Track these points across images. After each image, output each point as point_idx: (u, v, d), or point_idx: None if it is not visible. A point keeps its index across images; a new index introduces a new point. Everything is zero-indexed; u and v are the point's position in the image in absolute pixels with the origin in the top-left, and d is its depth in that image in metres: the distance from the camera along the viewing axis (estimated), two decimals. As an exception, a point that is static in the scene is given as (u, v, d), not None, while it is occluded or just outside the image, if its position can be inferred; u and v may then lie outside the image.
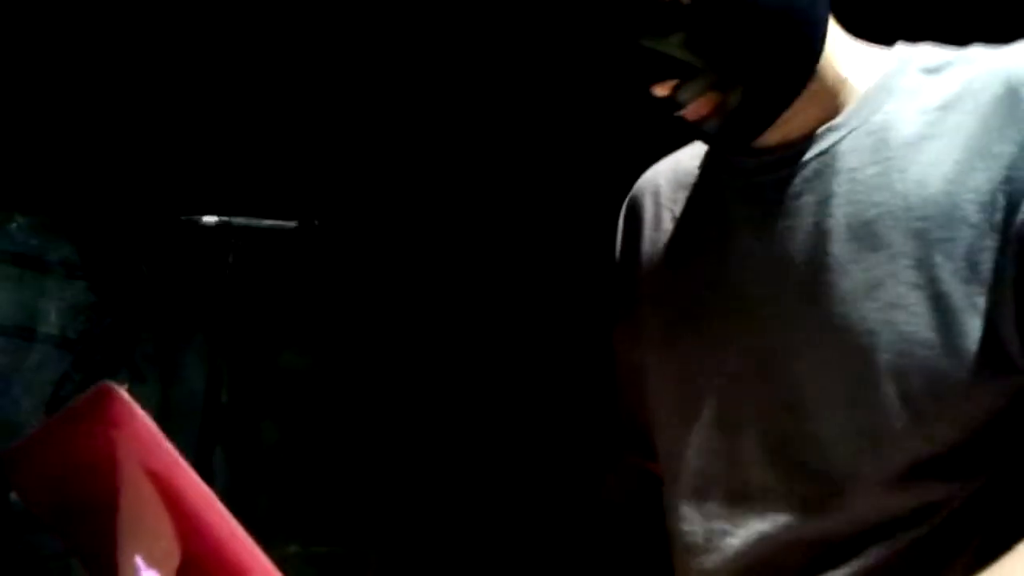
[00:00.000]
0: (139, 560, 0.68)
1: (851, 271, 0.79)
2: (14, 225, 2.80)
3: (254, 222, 2.03)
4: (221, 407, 2.04)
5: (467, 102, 2.98)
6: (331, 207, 2.74)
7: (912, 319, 0.76)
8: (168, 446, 0.67)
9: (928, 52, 0.85)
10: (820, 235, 0.81)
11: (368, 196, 3.02)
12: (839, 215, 0.81)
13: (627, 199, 1.04)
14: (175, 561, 0.68)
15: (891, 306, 0.77)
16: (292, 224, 2.05)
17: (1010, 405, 0.76)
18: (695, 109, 0.81)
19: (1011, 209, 0.74)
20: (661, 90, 0.80)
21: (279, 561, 0.68)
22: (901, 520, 0.78)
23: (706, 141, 0.87)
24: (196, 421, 2.15)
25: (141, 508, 0.69)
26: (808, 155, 0.84)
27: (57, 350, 2.79)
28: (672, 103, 0.81)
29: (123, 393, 0.65)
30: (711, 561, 0.88)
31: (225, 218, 2.02)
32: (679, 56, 0.77)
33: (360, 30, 2.89)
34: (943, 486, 0.77)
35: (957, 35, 0.85)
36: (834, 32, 0.85)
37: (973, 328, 0.75)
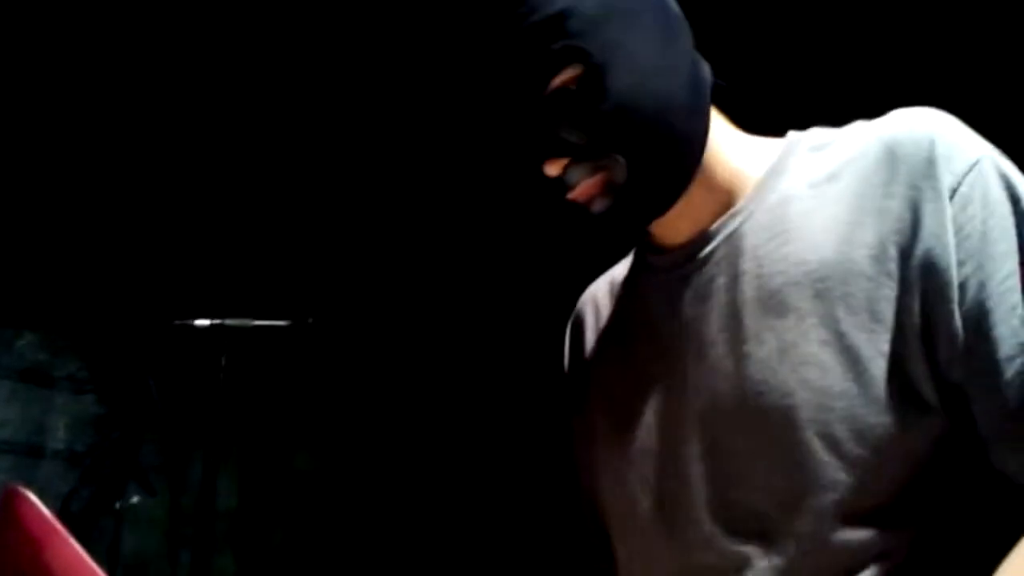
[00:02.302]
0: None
1: (765, 339, 0.83)
2: (22, 342, 2.81)
3: (246, 323, 2.05)
4: (217, 512, 2.02)
5: (456, 197, 3.00)
6: (326, 305, 2.74)
7: (825, 374, 0.80)
8: (77, 549, 0.64)
9: (814, 134, 0.92)
10: (734, 312, 0.86)
11: (360, 293, 3.03)
12: (748, 290, 0.86)
13: (572, 314, 1.10)
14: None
15: (804, 365, 0.81)
16: (285, 323, 2.06)
17: (936, 451, 0.79)
18: (584, 189, 0.85)
19: (904, 257, 0.79)
20: (553, 168, 0.85)
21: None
22: (842, 571, 0.79)
23: (596, 225, 0.89)
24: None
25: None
26: (715, 243, 0.90)
27: (65, 464, 2.78)
28: (564, 186, 0.86)
29: (29, 494, 0.63)
30: None
31: (217, 320, 2.04)
32: (565, 135, 0.83)
33: (354, 126, 2.93)
34: (877, 536, 0.78)
35: (842, 118, 0.92)
36: (723, 129, 0.92)
37: (883, 373, 0.79)
